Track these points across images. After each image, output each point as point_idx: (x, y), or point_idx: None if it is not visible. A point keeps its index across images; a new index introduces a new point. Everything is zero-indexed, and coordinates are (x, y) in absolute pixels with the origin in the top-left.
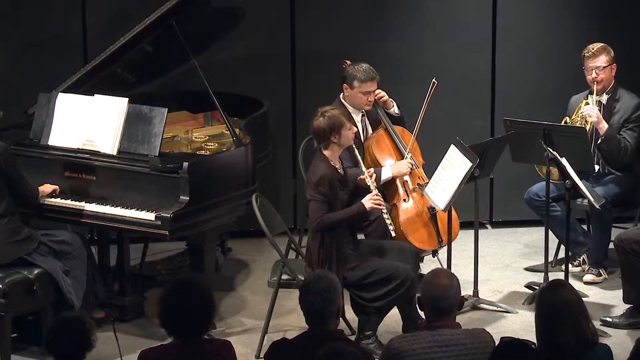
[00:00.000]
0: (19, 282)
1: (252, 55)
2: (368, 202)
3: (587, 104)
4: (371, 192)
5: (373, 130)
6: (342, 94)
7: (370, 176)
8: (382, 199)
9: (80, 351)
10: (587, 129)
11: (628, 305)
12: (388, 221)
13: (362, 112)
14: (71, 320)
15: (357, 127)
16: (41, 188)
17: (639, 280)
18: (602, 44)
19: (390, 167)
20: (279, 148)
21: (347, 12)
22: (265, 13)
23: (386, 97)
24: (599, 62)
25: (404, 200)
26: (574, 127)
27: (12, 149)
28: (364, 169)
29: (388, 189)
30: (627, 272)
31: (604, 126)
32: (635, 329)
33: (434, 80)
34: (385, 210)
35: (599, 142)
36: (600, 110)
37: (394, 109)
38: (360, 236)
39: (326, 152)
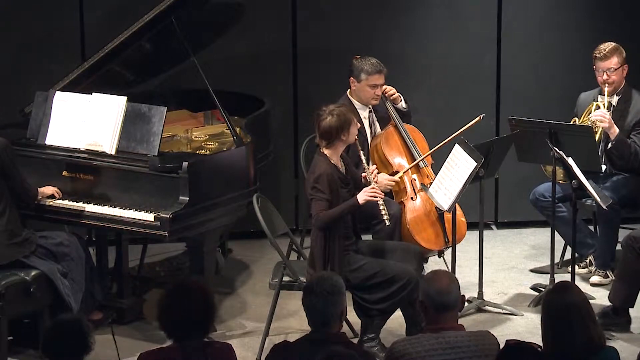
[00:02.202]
0: (16, 284)
1: (252, 53)
2: (362, 195)
3: (598, 106)
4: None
5: (381, 126)
6: (349, 90)
7: (372, 172)
8: (378, 191)
9: (78, 354)
10: (598, 133)
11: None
12: (384, 211)
13: (370, 108)
14: (69, 323)
15: (363, 123)
16: (42, 189)
17: (633, 283)
18: (614, 45)
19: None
20: (281, 147)
21: (349, 10)
22: (266, 10)
23: (396, 93)
24: (610, 64)
25: (412, 198)
26: (581, 126)
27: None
28: (366, 165)
29: (396, 187)
30: (625, 272)
31: (615, 131)
32: (607, 330)
33: (480, 116)
34: (381, 202)
35: (609, 146)
36: (610, 112)
37: (402, 104)
38: (368, 236)
39: (327, 151)
